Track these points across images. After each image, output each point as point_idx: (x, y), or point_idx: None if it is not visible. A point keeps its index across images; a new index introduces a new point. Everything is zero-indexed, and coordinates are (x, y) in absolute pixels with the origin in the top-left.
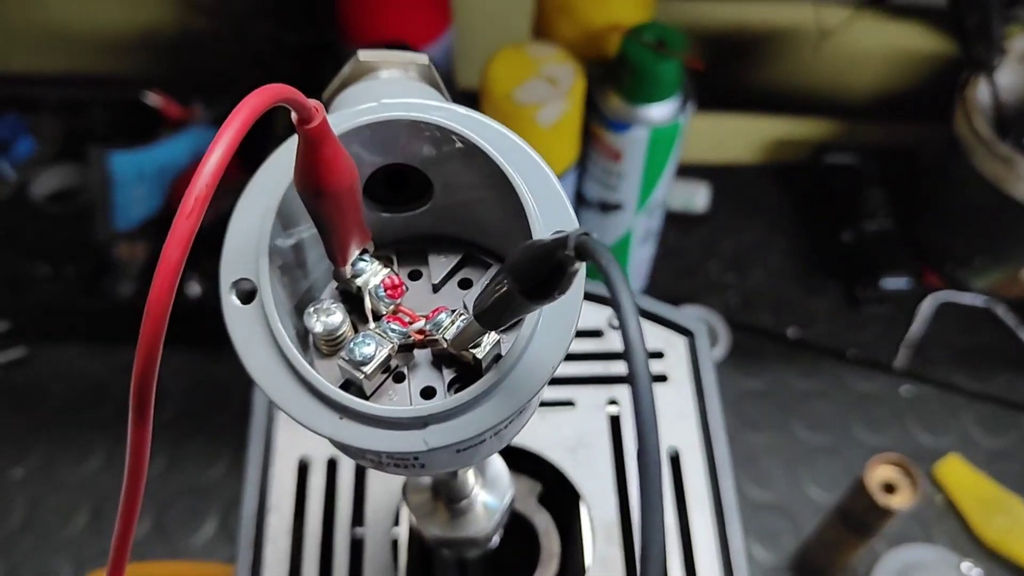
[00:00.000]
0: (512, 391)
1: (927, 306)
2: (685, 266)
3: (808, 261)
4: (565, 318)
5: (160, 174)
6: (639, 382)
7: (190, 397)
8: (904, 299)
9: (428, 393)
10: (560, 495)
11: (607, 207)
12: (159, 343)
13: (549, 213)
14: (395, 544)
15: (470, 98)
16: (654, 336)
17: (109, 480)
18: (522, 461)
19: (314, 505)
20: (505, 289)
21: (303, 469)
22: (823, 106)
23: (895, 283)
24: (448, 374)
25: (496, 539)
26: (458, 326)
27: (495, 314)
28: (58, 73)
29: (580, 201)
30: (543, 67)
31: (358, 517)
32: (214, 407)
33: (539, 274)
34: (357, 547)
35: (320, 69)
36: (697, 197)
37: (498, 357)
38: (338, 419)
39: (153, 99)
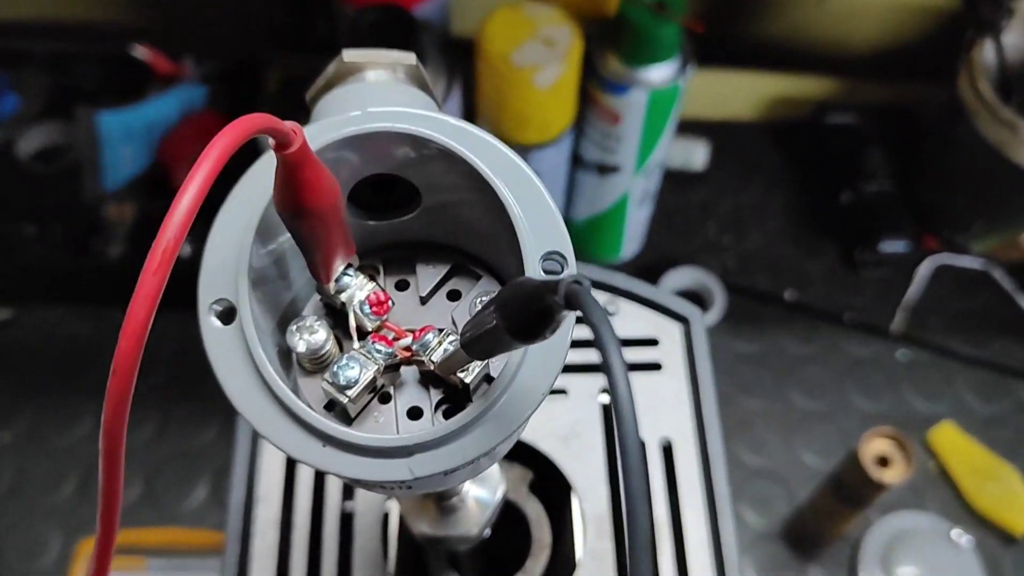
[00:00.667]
0: (500, 419)
1: (925, 269)
2: (683, 227)
3: (806, 223)
4: (554, 348)
5: (148, 132)
6: (629, 452)
7: (180, 360)
8: (902, 262)
9: (415, 413)
10: (552, 484)
11: (604, 169)
12: (127, 400)
13: (541, 230)
14: (384, 537)
15: (466, 47)
16: (649, 323)
17: (96, 446)
18: (514, 450)
19: (302, 496)
20: (493, 325)
21: (292, 460)
22: (825, 63)
23: (893, 246)
24: (435, 395)
25: (487, 530)
26: (445, 349)
27: (483, 347)
28: (43, 20)
29: (577, 163)
30: (540, 28)
31: (348, 511)
32: (204, 371)
33: (527, 316)
34: (346, 539)
35: (313, 20)
36: (696, 155)
37: (488, 378)
38: (321, 447)
39: (141, 53)
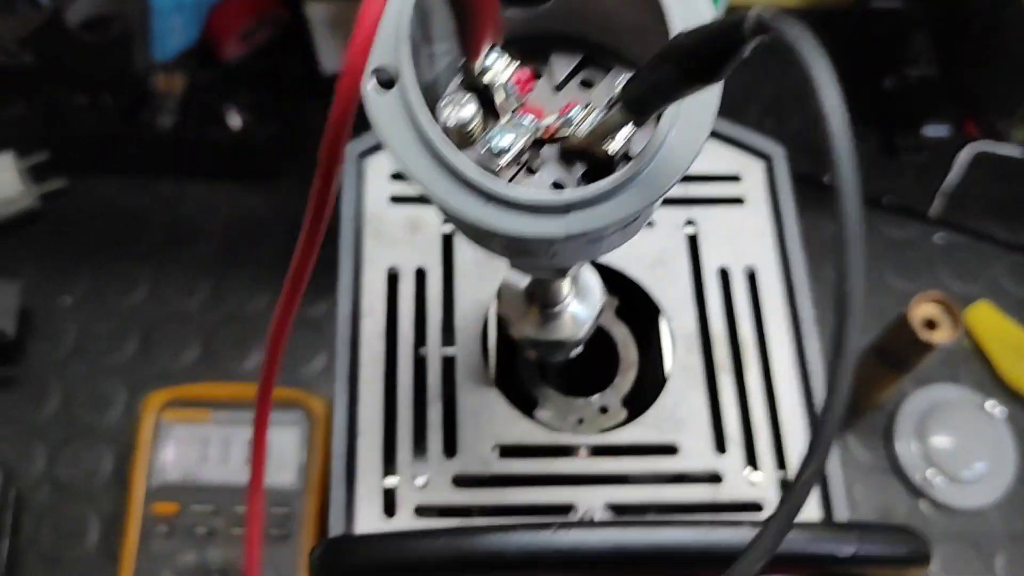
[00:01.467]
0: (650, 182)
1: (965, 155)
2: (723, 111)
3: (848, 107)
4: (702, 111)
5: (198, 4)
6: (845, 194)
7: (231, 230)
8: (943, 148)
9: (558, 187)
10: (637, 311)
11: None
12: (355, 103)
13: (687, 13)
14: (484, 348)
15: None
16: (731, 159)
17: (155, 309)
18: (601, 276)
19: (405, 310)
20: (663, 74)
21: (392, 279)
22: None
23: (935, 131)
24: (578, 168)
25: (579, 348)
26: (593, 119)
27: (646, 100)
28: None
29: None
30: None
31: (448, 324)
32: (255, 240)
33: (705, 55)
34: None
35: None
36: None
37: (626, 157)
38: (482, 204)
39: None
